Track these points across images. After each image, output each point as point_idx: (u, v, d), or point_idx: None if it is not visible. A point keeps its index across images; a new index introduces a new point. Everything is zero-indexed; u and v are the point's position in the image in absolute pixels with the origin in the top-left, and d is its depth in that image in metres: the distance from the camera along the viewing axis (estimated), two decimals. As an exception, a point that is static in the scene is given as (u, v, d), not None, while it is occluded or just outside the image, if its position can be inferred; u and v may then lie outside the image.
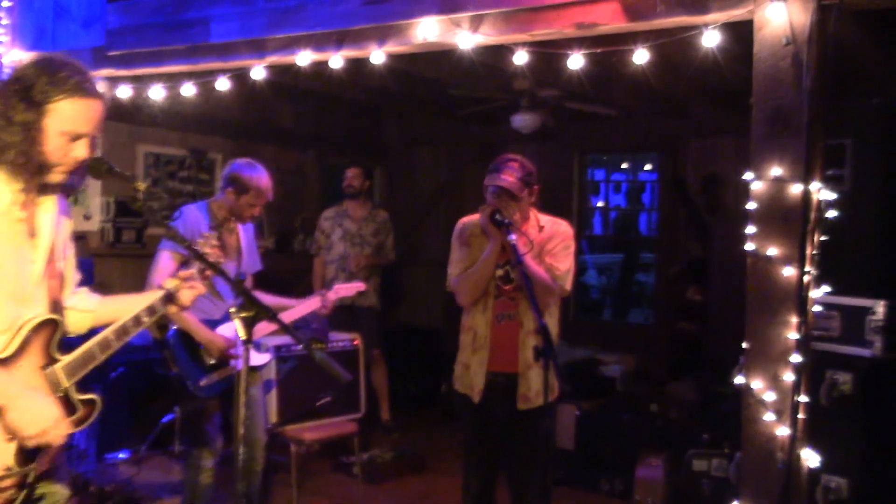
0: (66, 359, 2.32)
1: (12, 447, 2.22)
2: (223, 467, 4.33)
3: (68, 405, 2.34)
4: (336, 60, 4.33)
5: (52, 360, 2.31)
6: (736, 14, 3.31)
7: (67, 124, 2.23)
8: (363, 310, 6.55)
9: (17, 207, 2.25)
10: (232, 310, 2.24)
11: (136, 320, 2.42)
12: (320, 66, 4.50)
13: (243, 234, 4.34)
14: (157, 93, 5.04)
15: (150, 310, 2.43)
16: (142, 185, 2.37)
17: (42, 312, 2.33)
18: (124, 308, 2.48)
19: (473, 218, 3.83)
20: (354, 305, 6.37)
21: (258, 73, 4.60)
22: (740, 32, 3.38)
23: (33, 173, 2.25)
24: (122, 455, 5.69)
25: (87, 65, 5.41)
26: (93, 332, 2.49)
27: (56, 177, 2.28)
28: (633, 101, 6.66)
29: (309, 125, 8.34)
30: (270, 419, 4.91)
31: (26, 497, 2.26)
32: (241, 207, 4.19)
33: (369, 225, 6.76)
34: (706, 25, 3.38)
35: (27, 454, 2.24)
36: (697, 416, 5.65)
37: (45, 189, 2.34)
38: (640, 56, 3.60)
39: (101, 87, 2.35)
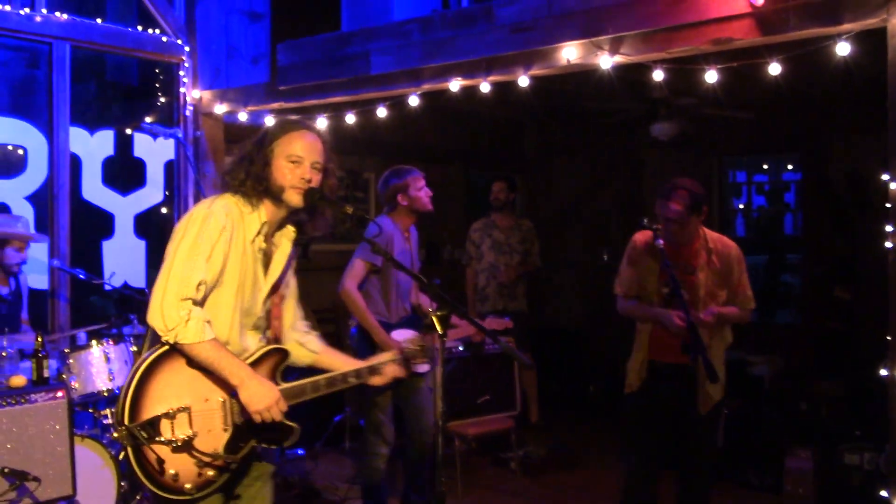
0: (284, 386, 2.76)
1: (225, 437, 2.67)
2: (395, 457, 4.77)
3: (276, 425, 2.73)
4: (485, 86, 4.72)
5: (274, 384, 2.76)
6: (869, 23, 3.46)
7: (286, 150, 2.74)
8: (513, 314, 6.89)
9: (261, 238, 2.77)
10: (430, 310, 2.64)
11: (344, 378, 2.90)
12: (469, 89, 4.91)
13: (414, 242, 4.81)
14: (322, 123, 5.56)
15: (357, 374, 2.93)
16: (350, 209, 2.80)
17: (262, 335, 2.82)
18: (339, 363, 2.99)
19: (645, 236, 4.12)
20: (506, 311, 6.72)
21: (414, 100, 5.05)
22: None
23: (271, 196, 2.75)
24: (300, 451, 6.25)
25: (260, 99, 6.07)
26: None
27: (291, 197, 2.73)
28: (773, 102, 6.74)
29: (453, 141, 8.78)
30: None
31: (227, 481, 2.70)
32: (415, 199, 4.68)
33: (516, 234, 7.12)
34: (839, 35, 3.55)
35: (233, 446, 2.67)
36: (847, 412, 5.70)
37: (285, 222, 2.84)
38: (774, 69, 3.79)
39: (319, 123, 2.85)
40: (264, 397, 2.61)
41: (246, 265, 2.73)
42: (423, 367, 4.68)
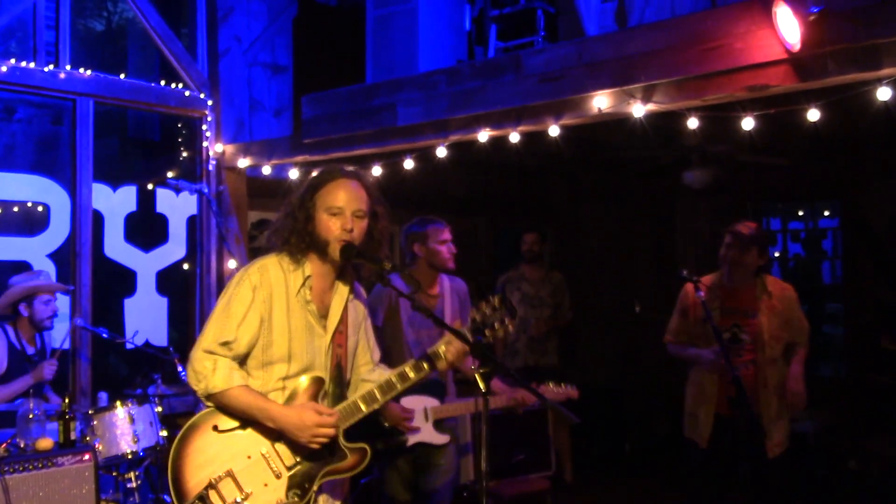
0: (329, 411, 2.67)
1: (284, 483, 2.63)
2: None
3: (338, 452, 2.71)
4: (514, 136, 4.60)
5: None
6: (912, 67, 3.31)
7: (326, 202, 2.69)
8: (545, 370, 6.68)
9: (306, 290, 2.71)
10: (473, 367, 2.50)
11: (402, 375, 2.76)
12: (496, 139, 4.79)
13: (449, 297, 4.43)
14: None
15: (416, 366, 2.76)
16: (388, 265, 2.72)
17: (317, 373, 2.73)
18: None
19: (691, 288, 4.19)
20: (537, 366, 6.53)
21: (441, 151, 4.94)
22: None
23: (317, 250, 2.71)
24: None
25: (284, 152, 5.98)
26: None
27: (335, 250, 2.68)
28: (810, 147, 6.55)
29: (480, 191, 8.66)
30: (468, 477, 5.12)
31: None
32: (434, 252, 4.29)
33: (546, 286, 6.93)
34: (879, 80, 3.39)
35: (299, 488, 2.63)
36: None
37: (340, 275, 2.79)
38: (813, 115, 3.64)
39: (358, 170, 2.82)
40: (302, 423, 2.60)
41: (294, 320, 2.70)
42: (442, 439, 4.30)
